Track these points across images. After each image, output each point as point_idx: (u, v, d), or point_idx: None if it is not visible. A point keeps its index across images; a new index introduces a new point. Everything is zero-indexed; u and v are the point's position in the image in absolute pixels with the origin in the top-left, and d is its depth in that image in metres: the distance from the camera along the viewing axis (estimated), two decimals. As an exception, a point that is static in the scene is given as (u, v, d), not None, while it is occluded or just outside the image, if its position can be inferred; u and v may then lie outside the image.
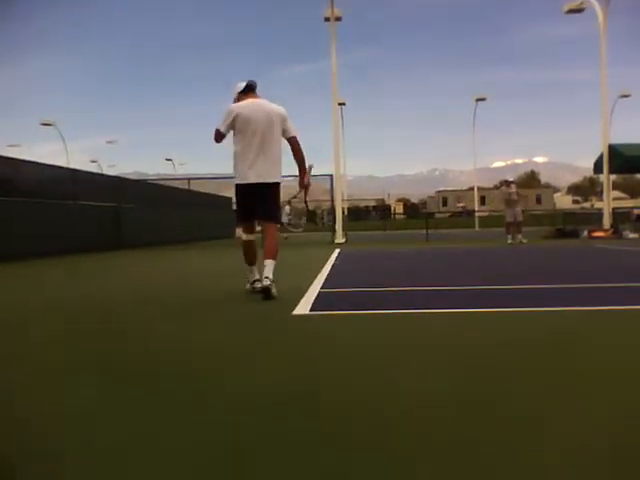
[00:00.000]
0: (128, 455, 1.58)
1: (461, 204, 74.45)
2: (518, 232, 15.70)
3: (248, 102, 5.00)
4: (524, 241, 15.37)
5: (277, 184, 5.06)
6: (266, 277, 4.74)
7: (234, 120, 4.92)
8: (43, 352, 3.01)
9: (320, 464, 1.48)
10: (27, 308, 4.81)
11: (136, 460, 1.55)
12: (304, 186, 5.54)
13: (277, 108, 5.02)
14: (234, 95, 5.16)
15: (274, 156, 4.98)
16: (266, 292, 4.68)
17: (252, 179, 4.92)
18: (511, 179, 16.76)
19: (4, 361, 2.83)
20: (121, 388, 2.26)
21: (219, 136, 5.04)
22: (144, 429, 1.78)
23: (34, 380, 2.43)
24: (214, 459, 1.53)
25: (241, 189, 5.04)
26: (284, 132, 5.04)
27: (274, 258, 4.94)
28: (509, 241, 15.48)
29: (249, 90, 5.12)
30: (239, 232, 5.32)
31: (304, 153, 5.21)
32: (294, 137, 5.10)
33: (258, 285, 4.96)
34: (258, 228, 5.29)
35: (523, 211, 16.11)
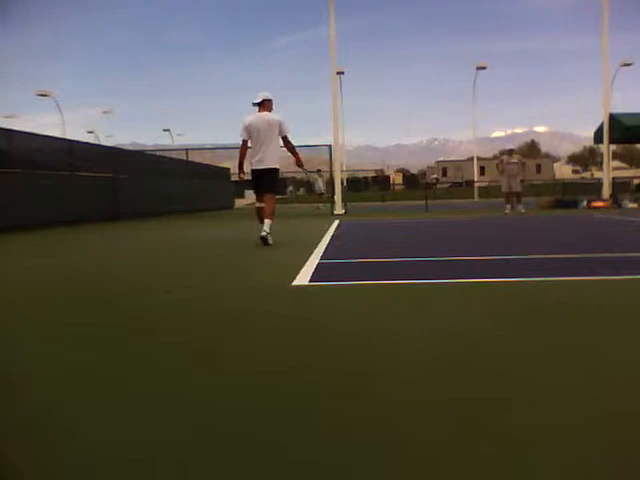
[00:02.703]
0: (124, 436, 1.60)
1: (434, 175, 74.98)
2: (518, 202, 15.73)
3: (255, 115, 7.32)
4: (522, 211, 15.36)
5: (276, 169, 7.38)
6: (264, 230, 7.06)
7: (247, 129, 7.27)
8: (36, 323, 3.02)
9: (318, 445, 1.49)
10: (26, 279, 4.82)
11: (133, 442, 1.56)
12: (300, 164, 7.92)
13: (275, 117, 7.31)
14: (256, 100, 7.40)
15: (273, 151, 7.28)
16: (263, 240, 7.00)
17: (259, 166, 7.29)
18: (512, 148, 16.68)
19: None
20: (117, 365, 2.27)
21: (244, 143, 7.39)
22: (140, 407, 1.80)
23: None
24: (212, 441, 1.54)
25: (253, 173, 7.41)
26: (279, 132, 7.29)
27: (270, 218, 7.21)
28: (506, 211, 15.48)
29: (261, 104, 7.36)
30: (255, 202, 7.69)
31: (293, 144, 7.59)
32: (285, 136, 7.37)
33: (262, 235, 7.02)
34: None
35: (523, 181, 16.05)
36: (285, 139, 7.41)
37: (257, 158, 7.28)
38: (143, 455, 1.41)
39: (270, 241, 6.97)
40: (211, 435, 1.51)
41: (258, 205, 7.50)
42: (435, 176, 73.28)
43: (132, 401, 1.80)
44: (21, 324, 3.04)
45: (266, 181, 7.29)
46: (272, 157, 7.27)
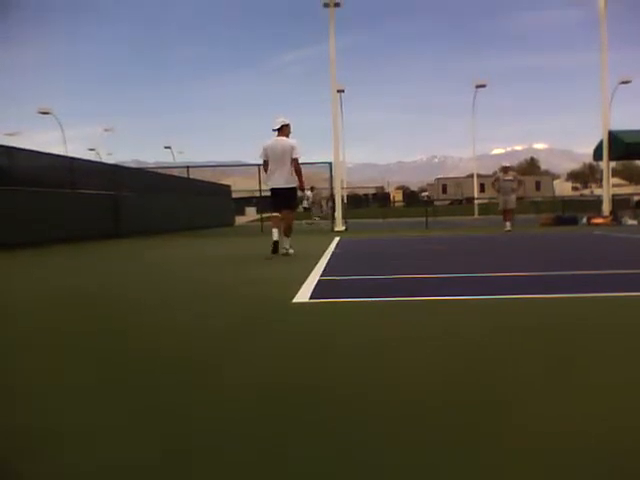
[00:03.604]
0: (127, 450, 1.60)
1: (425, 193, 77.30)
2: (508, 219, 15.71)
3: (273, 140, 8.30)
4: (508, 229, 15.29)
5: (291, 188, 8.41)
6: (284, 247, 8.31)
7: (265, 152, 8.29)
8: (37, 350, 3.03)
9: (319, 456, 1.50)
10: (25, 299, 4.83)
11: (137, 450, 1.57)
12: (302, 189, 8.80)
13: (290, 142, 8.25)
14: (275, 126, 8.35)
15: (287, 172, 8.25)
16: (285, 255, 8.13)
17: (275, 185, 8.38)
18: (508, 165, 16.71)
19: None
20: (120, 378, 2.27)
21: (265, 164, 8.46)
22: (143, 419, 1.80)
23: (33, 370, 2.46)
24: (216, 450, 1.55)
25: (271, 191, 8.49)
26: (291, 155, 8.18)
27: (289, 236, 8.56)
28: (506, 229, 15.47)
29: (280, 129, 8.29)
30: (273, 215, 8.64)
31: (300, 168, 8.37)
32: (295, 159, 8.23)
33: (278, 248, 8.13)
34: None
35: (520, 199, 16.04)
36: (294, 162, 8.23)
37: (273, 179, 8.37)
38: (144, 465, 1.42)
39: (291, 251, 8.34)
40: (212, 444, 1.52)
41: (274, 215, 8.58)
42: (426, 193, 74.87)
43: (133, 408, 1.80)
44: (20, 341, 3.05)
45: (283, 199, 8.40)
46: (285, 178, 8.27)
